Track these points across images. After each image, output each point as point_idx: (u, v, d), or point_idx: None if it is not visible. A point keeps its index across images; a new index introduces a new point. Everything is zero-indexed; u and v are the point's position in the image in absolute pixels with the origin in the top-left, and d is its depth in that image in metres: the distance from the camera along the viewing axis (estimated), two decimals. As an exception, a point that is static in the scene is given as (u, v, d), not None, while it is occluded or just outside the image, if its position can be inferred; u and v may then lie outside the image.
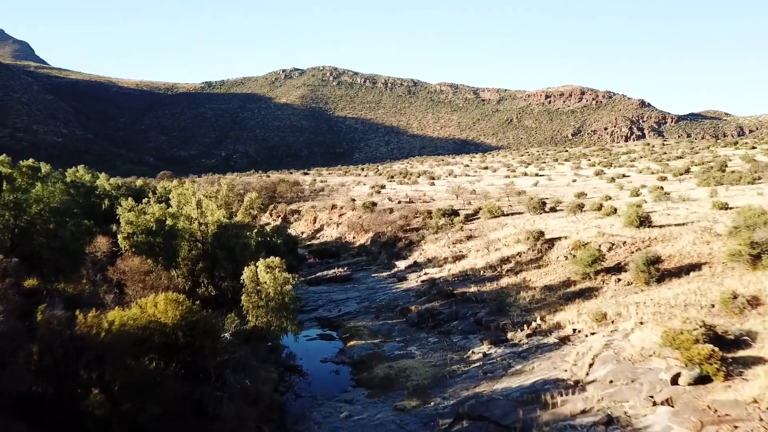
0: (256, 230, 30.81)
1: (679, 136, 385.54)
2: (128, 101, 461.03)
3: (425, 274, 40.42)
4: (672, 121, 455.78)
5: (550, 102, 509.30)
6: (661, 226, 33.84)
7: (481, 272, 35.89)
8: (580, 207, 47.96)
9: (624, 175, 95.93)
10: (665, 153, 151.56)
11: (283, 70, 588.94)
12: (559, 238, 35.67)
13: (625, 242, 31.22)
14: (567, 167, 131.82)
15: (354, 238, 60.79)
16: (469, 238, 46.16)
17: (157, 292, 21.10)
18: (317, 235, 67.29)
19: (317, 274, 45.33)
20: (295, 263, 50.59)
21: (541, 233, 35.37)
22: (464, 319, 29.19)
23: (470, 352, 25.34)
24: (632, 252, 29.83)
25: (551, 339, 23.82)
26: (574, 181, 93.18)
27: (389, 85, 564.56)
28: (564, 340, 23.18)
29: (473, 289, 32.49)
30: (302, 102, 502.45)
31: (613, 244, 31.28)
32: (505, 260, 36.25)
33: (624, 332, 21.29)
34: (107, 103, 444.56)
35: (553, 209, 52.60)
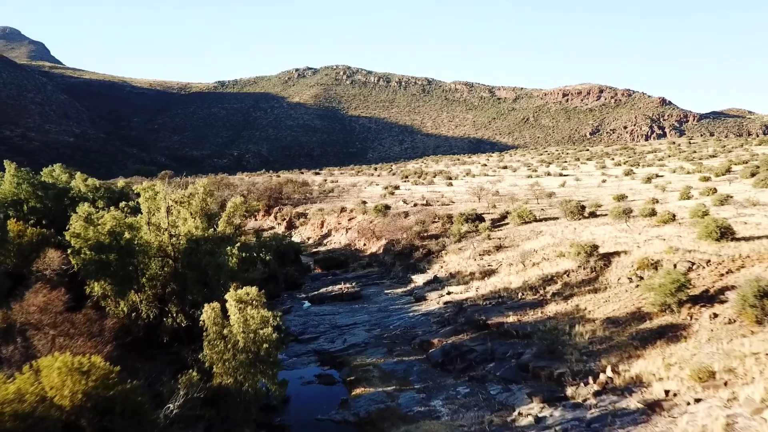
0: (239, 244, 24.48)
1: (701, 135, 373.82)
2: (141, 101, 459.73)
3: (448, 293, 33.78)
4: (694, 120, 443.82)
5: (567, 100, 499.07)
6: (747, 239, 26.92)
7: (519, 294, 29.17)
8: (627, 212, 41.03)
9: (657, 175, 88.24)
10: (695, 152, 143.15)
11: (297, 69, 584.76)
12: (617, 253, 28.81)
13: (708, 261, 24.34)
14: (591, 166, 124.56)
15: (365, 245, 54.31)
16: (499, 248, 39.45)
17: (86, 342, 14.85)
18: (324, 242, 60.93)
19: (321, 290, 38.91)
20: (296, 275, 44.42)
21: (595, 247, 28.56)
22: (503, 361, 22.55)
23: (516, 413, 18.72)
24: (722, 274, 22.97)
25: (633, 403, 17.11)
26: (604, 181, 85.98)
27: (403, 83, 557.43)
28: (653, 407, 16.46)
29: (512, 318, 25.82)
30: (315, 101, 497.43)
31: (692, 264, 24.41)
32: (548, 280, 29.49)
33: (751, 404, 14.54)
34: (120, 103, 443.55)
35: (593, 214, 45.68)
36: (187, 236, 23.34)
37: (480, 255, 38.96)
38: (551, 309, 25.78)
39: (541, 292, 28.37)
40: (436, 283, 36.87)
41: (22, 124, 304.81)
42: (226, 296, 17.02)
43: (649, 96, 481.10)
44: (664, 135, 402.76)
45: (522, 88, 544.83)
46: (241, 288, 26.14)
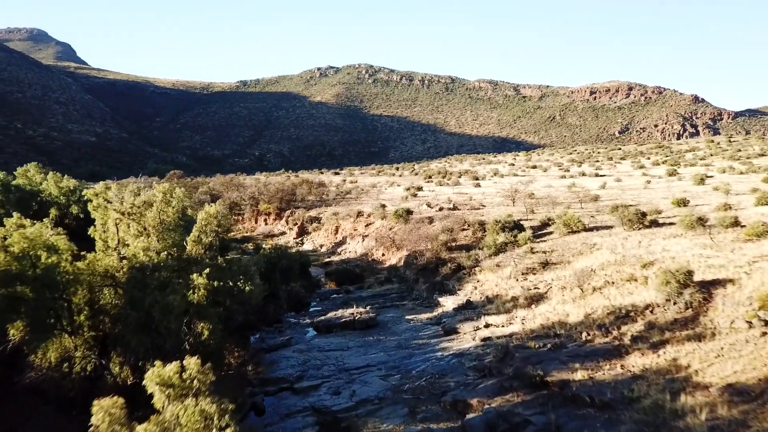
0: (208, 270, 17.95)
1: (738, 133, 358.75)
2: (164, 100, 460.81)
3: (486, 325, 26.82)
4: (729, 118, 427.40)
5: (595, 98, 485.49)
6: None
7: (583, 334, 22.07)
8: (702, 221, 33.60)
9: (706, 176, 79.83)
10: (739, 150, 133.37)
11: (318, 68, 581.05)
12: (719, 283, 21.51)
13: None
14: (627, 166, 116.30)
15: (383, 256, 47.60)
16: (545, 265, 32.34)
17: None
18: (338, 250, 54.35)
19: (329, 315, 32.25)
20: (302, 293, 38.02)
21: (690, 274, 21.24)
22: (576, 446, 15.59)
23: None
24: None
25: None
26: (649, 182, 77.83)
27: (426, 82, 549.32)
28: None
29: (580, 374, 18.77)
30: (337, 100, 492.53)
31: None
32: (621, 316, 22.31)
33: None
34: (143, 103, 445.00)
35: (655, 223, 38.26)
36: (130, 262, 16.93)
37: (523, 274, 31.91)
38: (635, 362, 18.65)
39: (615, 333, 21.23)
40: (470, 310, 29.92)
41: (45, 123, 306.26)
42: (146, 377, 10.52)
43: (680, 93, 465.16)
44: (697, 133, 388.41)
45: (548, 86, 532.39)
46: (215, 323, 19.78)
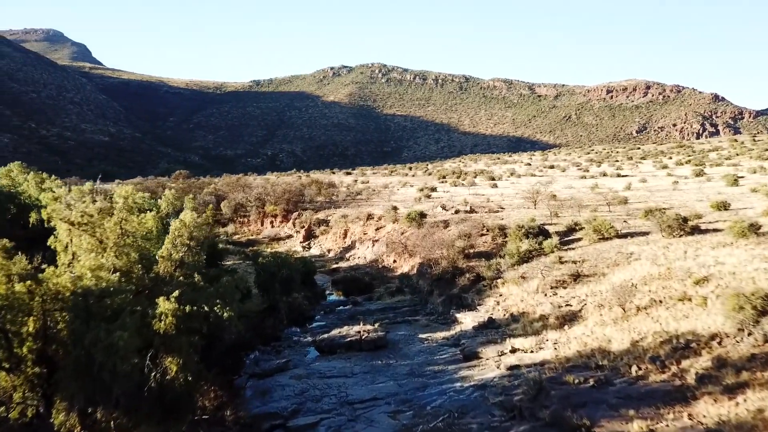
0: (177, 293, 14.59)
1: (759, 132, 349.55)
2: (177, 100, 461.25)
3: (512, 350, 23.15)
4: (750, 116, 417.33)
5: (611, 97, 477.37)
6: None
7: (632, 368, 18.34)
8: (754, 228, 29.74)
9: (737, 176, 75.27)
10: (766, 150, 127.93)
11: (332, 68, 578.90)
12: (803, 308, 17.72)
13: None
14: (649, 166, 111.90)
15: (394, 262, 44.09)
16: (577, 278, 28.61)
17: None
18: (347, 255, 50.91)
19: (333, 333, 28.76)
20: (305, 304, 34.67)
21: (766, 298, 17.48)
22: None
23: None
24: None
25: None
26: (676, 182, 73.63)
27: (440, 81, 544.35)
28: None
29: (637, 424, 15.06)
30: (350, 100, 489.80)
31: None
32: (680, 345, 18.52)
33: None
34: (157, 103, 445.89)
35: (697, 229, 34.36)
36: (74, 285, 13.59)
37: (551, 287, 28.21)
38: (707, 411, 14.92)
39: (674, 368, 17.49)
40: (492, 329, 26.28)
41: (59, 123, 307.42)
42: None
43: (700, 92, 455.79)
44: (717, 133, 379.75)
45: (563, 85, 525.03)
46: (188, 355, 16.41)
